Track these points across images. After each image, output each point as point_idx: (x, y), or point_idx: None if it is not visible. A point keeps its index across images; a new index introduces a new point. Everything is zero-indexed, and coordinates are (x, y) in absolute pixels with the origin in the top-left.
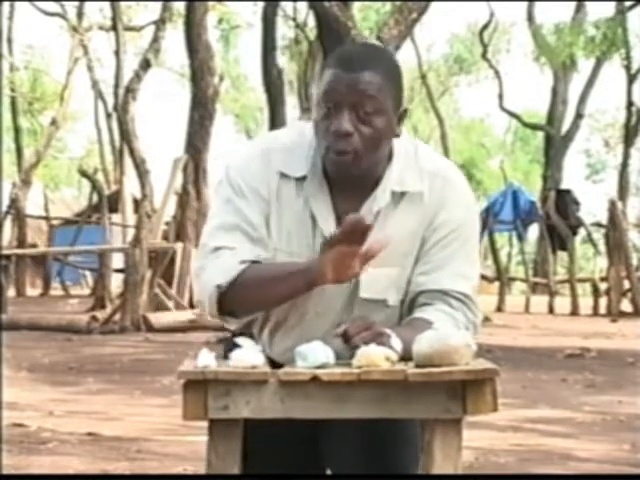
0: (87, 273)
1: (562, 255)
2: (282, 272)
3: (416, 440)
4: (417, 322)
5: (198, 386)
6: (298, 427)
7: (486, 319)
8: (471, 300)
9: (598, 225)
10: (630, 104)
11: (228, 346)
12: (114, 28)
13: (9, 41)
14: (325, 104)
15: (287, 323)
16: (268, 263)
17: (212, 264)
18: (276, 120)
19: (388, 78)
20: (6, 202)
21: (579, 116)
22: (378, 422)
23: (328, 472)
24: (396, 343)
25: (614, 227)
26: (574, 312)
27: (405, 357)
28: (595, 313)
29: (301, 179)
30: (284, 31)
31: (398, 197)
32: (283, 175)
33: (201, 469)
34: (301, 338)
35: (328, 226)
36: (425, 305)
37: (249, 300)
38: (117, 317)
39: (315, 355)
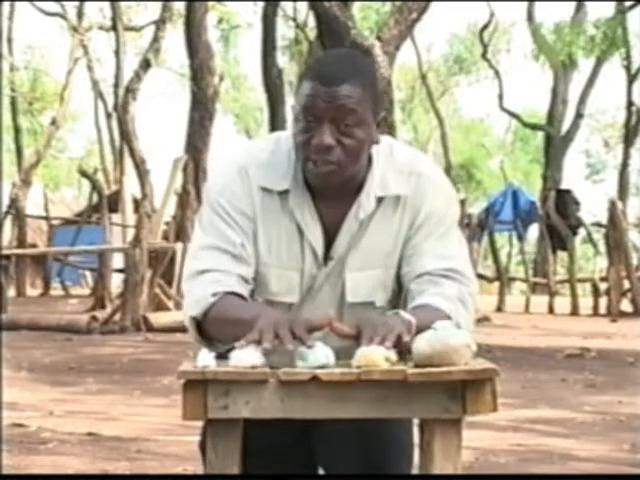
0: (87, 273)
1: (562, 255)
2: (234, 318)
3: (408, 440)
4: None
5: (198, 386)
6: (290, 427)
7: (486, 319)
8: (460, 273)
9: (598, 225)
10: (630, 104)
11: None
12: (114, 28)
13: (9, 41)
14: (305, 118)
15: None
16: (232, 301)
17: (192, 290)
18: (276, 120)
19: (367, 89)
20: (6, 202)
21: (579, 116)
22: (370, 422)
23: (321, 472)
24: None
25: (614, 227)
26: (574, 312)
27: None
28: (595, 313)
29: (284, 192)
30: (284, 31)
31: (378, 200)
32: (265, 190)
33: (201, 469)
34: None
35: (315, 237)
36: (416, 294)
37: (218, 334)
38: (117, 317)
39: (315, 356)
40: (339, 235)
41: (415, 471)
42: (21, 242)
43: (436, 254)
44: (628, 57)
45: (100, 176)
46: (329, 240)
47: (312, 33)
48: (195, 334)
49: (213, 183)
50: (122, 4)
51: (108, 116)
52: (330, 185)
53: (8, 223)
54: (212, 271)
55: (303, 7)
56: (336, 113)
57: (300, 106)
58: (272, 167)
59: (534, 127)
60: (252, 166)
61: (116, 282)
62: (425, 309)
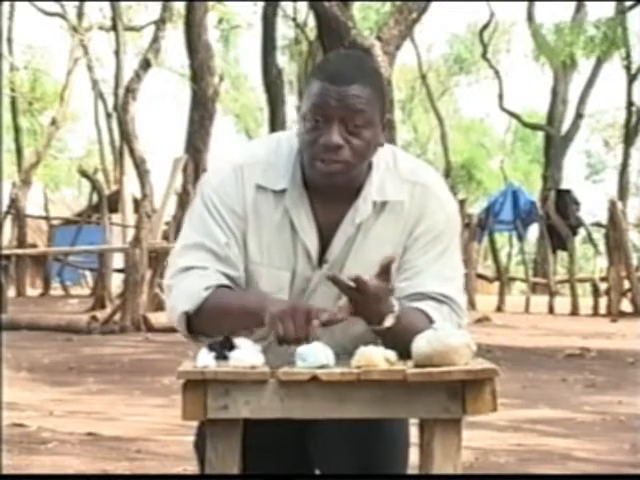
0: (87, 273)
1: (562, 255)
2: (238, 307)
3: (404, 440)
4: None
5: (197, 386)
6: (285, 428)
7: (486, 319)
8: (454, 301)
9: (598, 225)
10: (630, 104)
11: (225, 346)
12: (114, 28)
13: (9, 41)
14: (313, 117)
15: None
16: (230, 292)
17: (180, 285)
18: (276, 120)
19: (375, 90)
20: (6, 202)
21: (579, 116)
22: (365, 422)
23: (317, 472)
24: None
25: (614, 227)
26: (574, 312)
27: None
28: (595, 313)
29: (280, 192)
30: (284, 31)
31: (379, 207)
32: (260, 188)
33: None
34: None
35: (309, 238)
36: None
37: (214, 326)
38: (117, 317)
39: (315, 356)
40: (335, 238)
41: (415, 471)
42: (21, 242)
43: (434, 274)
44: (628, 57)
45: (100, 176)
46: (324, 243)
47: (312, 33)
48: (185, 329)
49: (208, 179)
50: (122, 4)
51: (108, 116)
52: (335, 184)
53: (8, 223)
54: (197, 268)
55: (303, 7)
56: (346, 113)
57: (309, 105)
58: (271, 166)
59: (534, 127)
60: (249, 165)
61: (116, 282)
62: (417, 312)
